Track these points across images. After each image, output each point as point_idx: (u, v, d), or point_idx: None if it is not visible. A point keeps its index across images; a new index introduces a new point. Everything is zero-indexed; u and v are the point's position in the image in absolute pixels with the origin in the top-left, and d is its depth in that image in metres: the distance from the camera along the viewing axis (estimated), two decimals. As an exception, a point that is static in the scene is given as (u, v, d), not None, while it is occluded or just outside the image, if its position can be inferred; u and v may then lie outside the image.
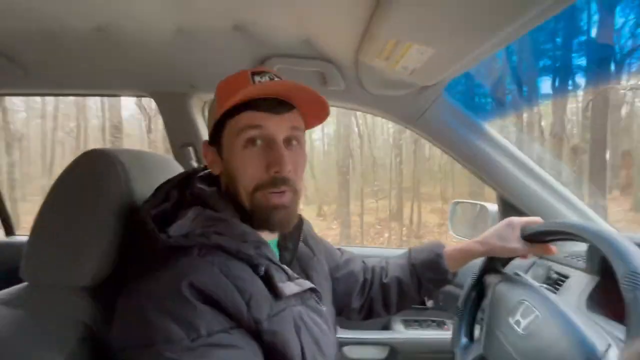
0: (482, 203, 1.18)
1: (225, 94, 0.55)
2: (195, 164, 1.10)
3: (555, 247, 0.70)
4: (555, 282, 0.89)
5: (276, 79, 0.57)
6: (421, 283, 0.77)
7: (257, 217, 0.55)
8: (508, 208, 1.08)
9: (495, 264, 0.76)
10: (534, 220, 0.71)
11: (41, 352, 0.46)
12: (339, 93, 1.01)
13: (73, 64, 0.98)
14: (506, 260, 0.76)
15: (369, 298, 0.80)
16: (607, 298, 0.68)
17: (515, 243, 0.69)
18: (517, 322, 0.59)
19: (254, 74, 0.56)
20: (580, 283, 0.81)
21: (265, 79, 0.56)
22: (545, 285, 0.86)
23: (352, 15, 0.72)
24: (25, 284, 0.55)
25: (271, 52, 0.94)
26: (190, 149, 1.10)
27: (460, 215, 1.29)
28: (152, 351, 0.42)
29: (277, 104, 0.54)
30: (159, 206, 0.54)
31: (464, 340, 0.74)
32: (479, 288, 0.77)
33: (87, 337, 0.51)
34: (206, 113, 1.16)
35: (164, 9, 0.78)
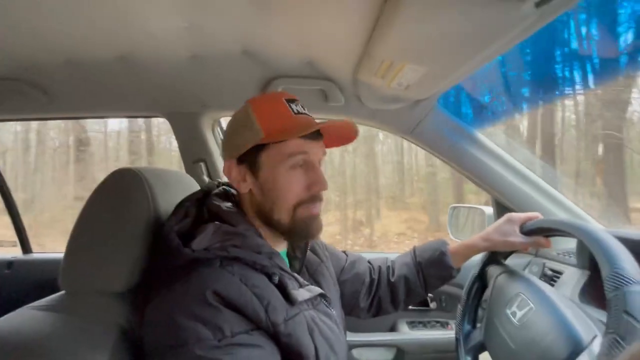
0: (479, 206, 1.23)
1: (267, 119, 0.59)
2: (206, 179, 1.16)
3: (550, 241, 0.75)
4: (551, 279, 0.95)
5: (305, 109, 0.64)
6: (427, 280, 0.83)
7: (299, 230, 0.61)
8: (503, 210, 1.14)
9: (497, 257, 0.81)
10: (533, 215, 0.76)
11: (84, 352, 0.50)
12: (339, 108, 1.08)
13: (94, 89, 1.05)
14: (507, 254, 0.81)
15: (377, 297, 0.85)
16: (598, 290, 0.74)
17: (515, 237, 0.75)
18: (514, 313, 0.64)
19: (288, 100, 0.61)
20: (573, 278, 0.87)
21: (299, 107, 0.62)
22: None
23: (350, 39, 0.79)
24: (62, 292, 0.60)
25: (276, 74, 1.02)
26: (202, 164, 1.16)
27: (458, 219, 1.35)
28: (185, 350, 0.46)
29: (317, 134, 0.62)
30: (180, 222, 0.59)
31: (467, 327, 0.79)
32: (482, 279, 0.81)
33: (124, 338, 0.55)
34: (216, 131, 1.23)
35: (179, 37, 0.85)
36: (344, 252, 0.90)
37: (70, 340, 0.51)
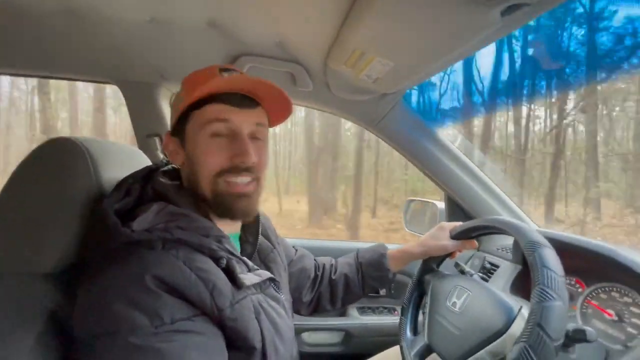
0: (432, 201, 1.31)
1: (191, 86, 0.56)
2: (161, 155, 1.10)
3: (475, 242, 0.85)
4: (488, 271, 1.04)
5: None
6: (365, 280, 0.86)
7: (219, 205, 0.57)
8: (453, 205, 1.22)
9: (431, 264, 0.87)
10: (459, 224, 0.85)
11: (8, 337, 0.46)
12: (306, 94, 1.06)
13: (34, 44, 0.93)
14: (440, 260, 0.87)
15: (317, 293, 0.87)
16: (526, 283, 0.82)
17: (446, 241, 0.83)
18: (454, 304, 0.69)
19: (222, 70, 0.58)
20: (506, 271, 0.95)
21: (231, 73, 0.58)
22: (480, 274, 1.00)
23: (323, 24, 0.77)
24: None
25: (244, 51, 0.97)
26: (157, 139, 1.09)
27: (413, 212, 1.41)
28: (117, 338, 0.43)
29: (243, 99, 0.57)
30: (121, 200, 0.55)
31: (409, 334, 0.81)
32: (420, 287, 0.86)
33: (53, 322, 0.51)
34: None
35: None
36: (294, 247, 0.91)
37: None
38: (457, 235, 0.83)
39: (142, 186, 0.59)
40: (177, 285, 0.47)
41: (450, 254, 0.86)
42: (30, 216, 0.52)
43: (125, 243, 0.49)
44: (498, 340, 0.58)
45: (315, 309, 0.88)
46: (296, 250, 0.90)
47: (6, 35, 0.91)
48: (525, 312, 0.58)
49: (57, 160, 0.54)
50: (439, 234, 0.84)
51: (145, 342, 0.44)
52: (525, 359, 0.48)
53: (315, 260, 0.91)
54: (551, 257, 0.56)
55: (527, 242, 0.59)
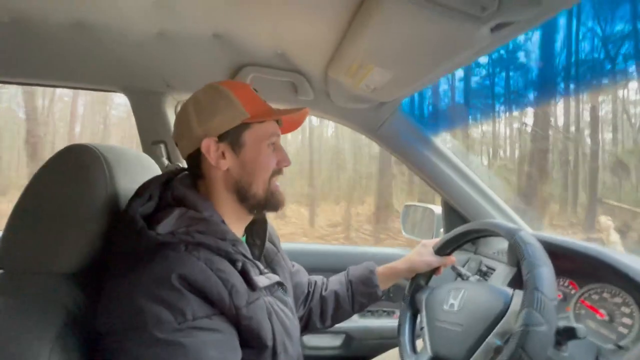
0: (429, 206, 1.34)
1: (249, 101, 0.65)
2: (165, 161, 1.13)
3: (454, 257, 0.89)
4: (485, 274, 1.07)
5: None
6: (355, 297, 0.88)
7: (273, 199, 0.67)
8: (450, 210, 1.25)
9: (420, 282, 0.88)
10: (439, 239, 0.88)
11: (26, 337, 0.47)
12: (308, 102, 1.10)
13: (47, 55, 0.97)
14: (428, 276, 0.89)
15: (308, 309, 0.88)
16: (521, 283, 0.85)
17: (429, 257, 0.87)
18: (452, 305, 0.71)
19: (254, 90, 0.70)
20: (502, 273, 0.99)
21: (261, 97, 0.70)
22: (477, 276, 1.03)
23: (324, 35, 0.81)
24: (0, 271, 0.55)
25: (247, 61, 1.01)
26: (162, 146, 1.12)
27: (411, 217, 1.44)
28: (143, 332, 0.47)
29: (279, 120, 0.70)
30: (144, 205, 0.58)
31: (410, 353, 0.79)
32: (413, 306, 0.85)
33: (71, 322, 0.52)
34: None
35: (147, 12, 0.81)
36: (291, 262, 0.92)
37: (11, 324, 0.48)
38: (440, 250, 0.86)
39: (162, 191, 0.62)
40: (199, 284, 0.51)
41: (436, 270, 0.88)
42: (50, 219, 0.54)
43: (151, 245, 0.52)
44: (502, 320, 0.61)
45: (306, 326, 0.88)
46: (293, 265, 0.91)
47: (18, 46, 0.94)
48: (520, 292, 0.62)
49: (75, 165, 0.56)
50: (422, 250, 0.88)
51: (169, 336, 0.47)
52: (532, 320, 0.53)
53: (308, 277, 0.92)
54: (530, 239, 0.63)
55: (506, 231, 0.66)
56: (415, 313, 0.86)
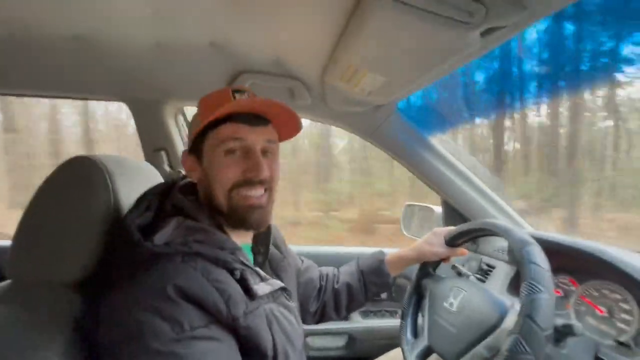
0: (429, 205, 1.34)
1: (207, 107, 0.61)
2: (167, 168, 1.14)
3: (466, 250, 0.89)
4: (485, 272, 1.07)
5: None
6: (367, 287, 0.89)
7: (234, 217, 0.60)
8: (450, 209, 1.25)
9: (427, 269, 0.90)
10: (453, 228, 0.87)
11: (35, 345, 0.48)
12: (305, 107, 1.11)
13: (45, 67, 0.99)
14: (436, 265, 0.90)
15: (322, 302, 0.89)
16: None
17: (440, 247, 0.86)
18: (451, 304, 0.72)
19: (234, 91, 0.62)
20: (503, 272, 0.99)
21: (245, 96, 0.63)
22: (477, 275, 1.03)
23: (319, 42, 0.82)
24: (8, 281, 0.57)
25: (244, 69, 1.02)
26: (163, 153, 1.14)
27: (411, 216, 1.45)
28: (140, 343, 0.46)
29: (254, 118, 0.61)
30: (141, 215, 0.58)
31: (410, 337, 0.84)
32: (418, 291, 0.89)
33: (77, 330, 0.53)
34: (179, 119, 1.20)
35: (145, 23, 0.83)
36: (300, 257, 0.94)
37: (20, 333, 0.49)
38: (451, 240, 0.86)
39: (160, 201, 0.63)
40: (195, 294, 0.50)
41: (445, 259, 0.89)
42: (55, 230, 0.56)
43: (147, 256, 0.52)
44: (493, 335, 0.62)
45: (321, 318, 0.90)
46: (302, 261, 0.93)
47: (19, 58, 0.97)
48: (517, 307, 0.62)
49: (78, 177, 0.58)
50: (433, 239, 0.88)
51: (167, 347, 0.47)
52: (518, 348, 0.52)
53: (319, 270, 0.94)
54: (538, 253, 0.60)
55: (516, 241, 0.63)
56: (420, 297, 0.88)
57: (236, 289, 0.54)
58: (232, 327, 0.53)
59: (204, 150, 0.62)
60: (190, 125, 0.67)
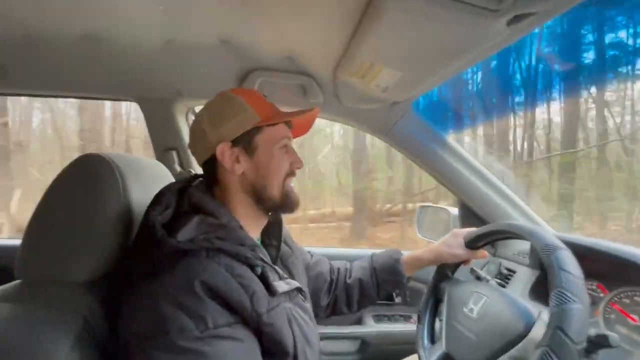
0: (445, 207, 1.30)
1: (259, 105, 0.66)
2: (178, 168, 1.13)
3: (486, 253, 0.85)
4: (505, 277, 1.02)
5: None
6: (380, 284, 0.87)
7: (287, 201, 0.68)
8: (467, 211, 1.21)
9: (445, 271, 0.86)
10: (474, 230, 0.84)
11: (45, 344, 0.48)
12: (317, 105, 1.08)
13: (56, 66, 0.99)
14: (454, 267, 0.86)
15: (334, 296, 0.88)
16: (545, 289, 0.81)
17: (459, 250, 0.82)
18: (471, 310, 0.69)
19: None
20: (524, 276, 0.95)
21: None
22: (497, 280, 0.99)
23: (332, 37, 0.80)
24: (17, 281, 0.57)
25: (255, 66, 1.00)
26: (174, 153, 1.13)
27: (426, 218, 1.41)
28: (166, 339, 0.47)
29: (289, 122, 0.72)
30: (162, 213, 0.59)
31: (426, 343, 0.80)
32: (436, 295, 0.85)
33: (88, 330, 0.53)
34: (190, 119, 1.19)
35: (156, 22, 0.82)
36: (308, 251, 0.93)
37: (30, 332, 0.49)
38: (472, 242, 0.82)
39: (178, 199, 0.63)
40: (220, 291, 0.51)
41: (464, 261, 0.85)
42: (65, 229, 0.55)
43: (172, 252, 0.53)
44: (519, 345, 0.58)
45: (333, 312, 0.90)
46: (311, 255, 0.92)
47: (31, 59, 0.97)
48: (545, 316, 0.58)
49: (88, 175, 0.57)
50: (452, 241, 0.84)
51: (190, 344, 0.48)
52: None
53: (330, 264, 0.93)
54: (569, 259, 0.56)
55: (544, 246, 0.59)
56: (437, 301, 0.84)
57: (259, 285, 0.55)
58: (256, 325, 0.53)
59: (256, 144, 0.65)
60: (219, 118, 0.65)
